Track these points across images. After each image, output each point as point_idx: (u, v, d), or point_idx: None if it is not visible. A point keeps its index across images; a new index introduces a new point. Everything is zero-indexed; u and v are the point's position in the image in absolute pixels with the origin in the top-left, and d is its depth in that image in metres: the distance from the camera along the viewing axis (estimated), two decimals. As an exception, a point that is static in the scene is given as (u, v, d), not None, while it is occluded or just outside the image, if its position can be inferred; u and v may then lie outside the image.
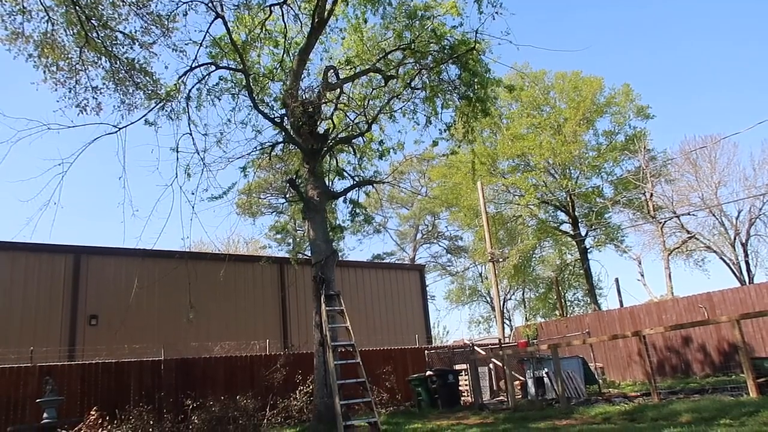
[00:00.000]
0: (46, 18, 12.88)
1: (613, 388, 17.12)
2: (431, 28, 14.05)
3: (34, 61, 13.03)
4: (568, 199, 30.81)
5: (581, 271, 32.22)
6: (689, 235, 32.58)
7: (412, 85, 14.25)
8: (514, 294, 42.87)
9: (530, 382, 14.90)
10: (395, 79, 14.47)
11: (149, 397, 13.14)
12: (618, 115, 31.59)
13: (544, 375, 14.46)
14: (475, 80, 14.00)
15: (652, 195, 30.48)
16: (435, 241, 45.08)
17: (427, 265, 41.80)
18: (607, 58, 63.93)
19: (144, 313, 17.09)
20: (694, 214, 33.29)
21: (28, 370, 12.26)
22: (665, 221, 32.04)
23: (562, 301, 34.30)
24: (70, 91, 13.16)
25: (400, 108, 15.04)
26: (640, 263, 32.69)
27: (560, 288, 32.93)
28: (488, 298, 43.79)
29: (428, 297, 26.54)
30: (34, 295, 16.06)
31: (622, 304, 27.93)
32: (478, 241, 31.47)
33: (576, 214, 31.24)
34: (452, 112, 14.89)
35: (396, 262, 41.84)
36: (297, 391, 13.85)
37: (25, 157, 14.55)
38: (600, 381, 16.83)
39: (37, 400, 10.98)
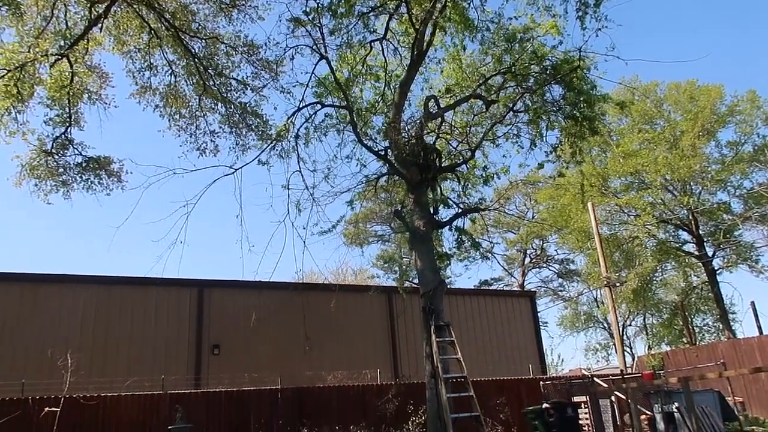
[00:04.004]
0: (170, 71, 14.18)
1: (758, 426, 15.41)
2: (531, 50, 13.79)
3: (160, 111, 14.35)
4: (691, 217, 28.65)
5: (710, 295, 29.69)
6: (839, 252, 29.02)
7: (515, 109, 13.99)
8: (634, 320, 40.22)
9: (659, 418, 13.77)
10: (496, 104, 14.30)
11: (268, 426, 13.61)
12: (743, 125, 29.12)
13: (675, 410, 13.31)
14: (581, 99, 13.50)
15: (789, 209, 27.60)
16: (545, 265, 43.42)
17: (538, 291, 40.33)
18: (726, 64, 59.45)
19: (261, 342, 17.84)
20: (842, 229, 29.63)
21: (161, 397, 13.15)
22: (808, 237, 28.79)
23: (690, 327, 31.71)
24: (191, 136, 14.33)
25: (503, 133, 14.81)
26: (780, 285, 29.48)
27: (687, 313, 30.50)
28: (605, 325, 41.39)
29: (540, 324, 25.55)
30: (164, 326, 17.29)
31: (761, 331, 25.23)
32: (592, 264, 30.02)
33: (700, 232, 28.95)
34: (558, 133, 14.44)
35: (504, 288, 40.78)
36: (409, 422, 13.75)
37: (154, 201, 15.89)
38: (741, 418, 15.23)
39: (169, 427, 11.72)
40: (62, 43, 12.07)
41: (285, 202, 12.78)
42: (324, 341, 18.48)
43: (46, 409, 11.27)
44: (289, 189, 12.93)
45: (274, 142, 12.98)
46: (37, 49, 11.53)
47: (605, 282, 21.72)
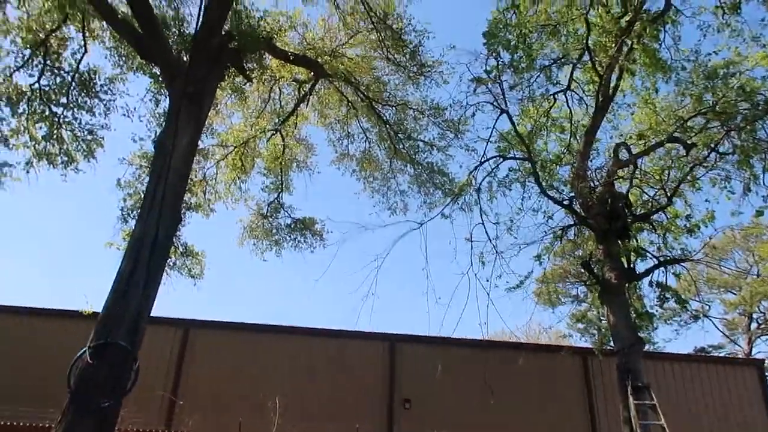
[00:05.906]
0: (365, 138, 15.60)
1: None
2: (738, 85, 12.59)
3: (356, 175, 15.75)
4: None
5: None
6: None
7: (719, 150, 12.72)
8: None
9: None
10: (697, 146, 13.16)
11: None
12: None
13: None
14: (803, 135, 11.86)
15: None
16: (777, 332, 37.03)
17: (770, 362, 34.37)
18: None
19: (449, 398, 17.76)
20: None
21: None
22: None
23: None
24: (383, 197, 15.45)
25: (709, 177, 13.49)
26: None
27: None
28: None
29: (773, 400, 21.62)
30: (359, 377, 18.12)
31: None
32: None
33: None
34: (776, 175, 12.70)
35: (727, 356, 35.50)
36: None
37: (347, 256, 17.19)
38: None
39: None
40: (276, 120, 14.06)
41: (468, 254, 12.92)
42: (511, 402, 17.80)
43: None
44: (471, 241, 13.07)
45: (457, 196, 13.37)
46: (257, 127, 13.59)
47: None
